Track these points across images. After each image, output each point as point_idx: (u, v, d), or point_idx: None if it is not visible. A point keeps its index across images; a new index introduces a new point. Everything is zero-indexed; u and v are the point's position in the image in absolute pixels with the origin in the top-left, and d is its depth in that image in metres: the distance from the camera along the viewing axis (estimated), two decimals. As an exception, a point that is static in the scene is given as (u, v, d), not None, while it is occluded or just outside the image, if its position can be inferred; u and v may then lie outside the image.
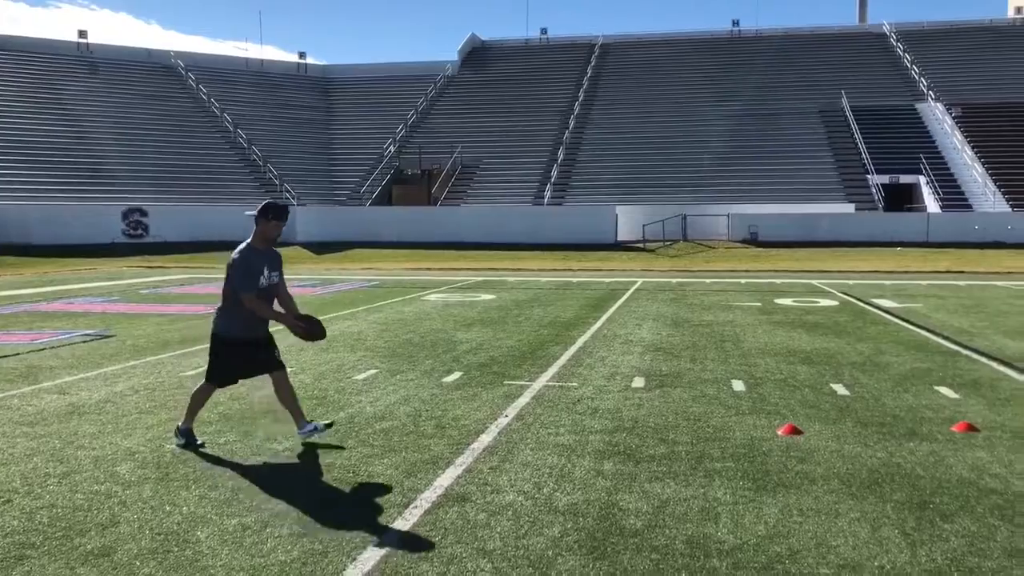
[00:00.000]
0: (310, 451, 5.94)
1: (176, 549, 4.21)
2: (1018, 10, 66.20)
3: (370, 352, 10.34)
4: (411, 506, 4.81)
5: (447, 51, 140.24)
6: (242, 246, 5.87)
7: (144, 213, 39.55)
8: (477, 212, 41.35)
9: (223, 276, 5.93)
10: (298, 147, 50.62)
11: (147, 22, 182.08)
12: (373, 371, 9.07)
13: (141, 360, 9.83)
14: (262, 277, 5.85)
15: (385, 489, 5.11)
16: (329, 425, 6.20)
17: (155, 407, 7.34)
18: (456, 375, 8.83)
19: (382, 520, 4.59)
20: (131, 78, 53.46)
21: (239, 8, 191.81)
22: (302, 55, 63.48)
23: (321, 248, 37.05)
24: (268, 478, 5.34)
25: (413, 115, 54.30)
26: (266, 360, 6.02)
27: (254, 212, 5.93)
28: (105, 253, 34.02)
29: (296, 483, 5.24)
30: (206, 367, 6.13)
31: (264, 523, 4.56)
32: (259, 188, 46.31)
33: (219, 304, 6.01)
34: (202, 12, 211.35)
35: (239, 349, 5.92)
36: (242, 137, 49.68)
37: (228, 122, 51.01)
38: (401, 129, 52.46)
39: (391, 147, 50.45)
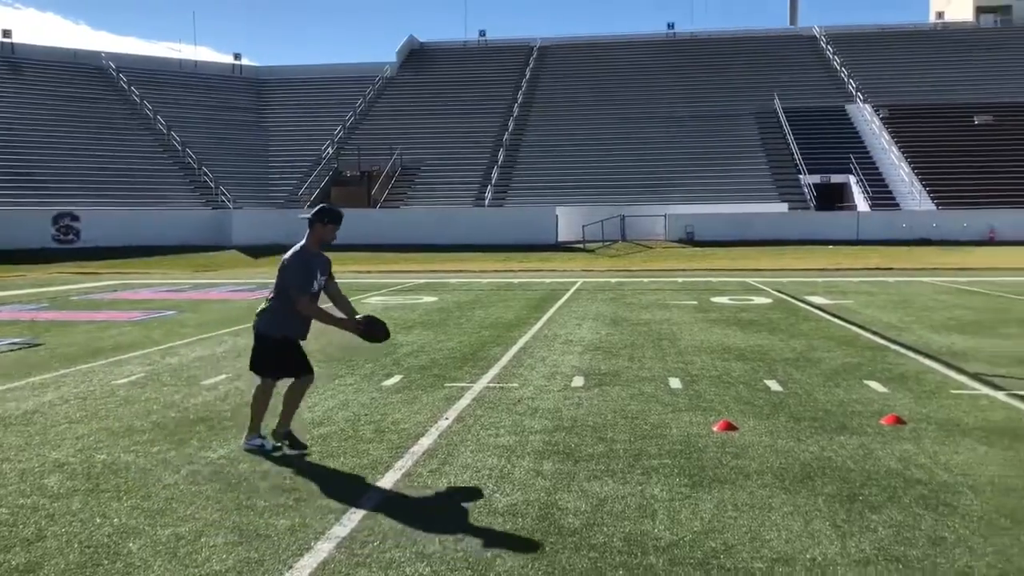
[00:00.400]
0: (246, 459, 5.85)
1: (106, 562, 4.11)
2: (939, 15, 68.49)
3: (308, 356, 10.21)
4: (350, 511, 4.76)
5: (385, 53, 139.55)
6: (296, 248, 5.91)
7: (75, 218, 38.56)
8: (418, 214, 41.23)
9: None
10: (234, 149, 49.82)
11: (75, 22, 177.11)
12: (311, 376, 8.96)
13: (72, 368, 9.57)
14: (315, 281, 5.90)
15: (323, 495, 5.06)
16: (278, 448, 6.07)
17: (86, 417, 7.15)
18: (396, 379, 8.79)
19: (319, 527, 4.54)
20: (59, 79, 52.06)
21: (172, 9, 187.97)
22: (237, 56, 62.56)
23: (258, 252, 36.46)
24: (203, 487, 5.24)
25: (351, 116, 53.87)
26: (298, 363, 6.02)
27: (307, 215, 5.92)
28: (34, 259, 33.02)
29: (232, 491, 5.15)
30: (283, 368, 6.03)
31: (198, 532, 4.48)
32: (194, 191, 45.50)
33: (267, 304, 6.00)
34: (134, 12, 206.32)
35: (276, 347, 5.92)
36: (176, 140, 48.71)
37: (162, 124, 49.98)
38: (339, 131, 52.00)
39: (329, 149, 49.96)
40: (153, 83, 54.79)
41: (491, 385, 8.38)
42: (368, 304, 17.04)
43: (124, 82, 53.94)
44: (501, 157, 47.46)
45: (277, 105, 56.85)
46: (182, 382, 8.70)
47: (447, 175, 46.48)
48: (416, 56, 63.61)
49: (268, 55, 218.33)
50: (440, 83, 58.04)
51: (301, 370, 6.03)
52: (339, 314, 6.10)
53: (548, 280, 23.78)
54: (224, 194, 44.61)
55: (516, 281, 23.46)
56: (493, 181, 45.02)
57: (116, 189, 42.88)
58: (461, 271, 28.41)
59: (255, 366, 6.08)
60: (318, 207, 6.03)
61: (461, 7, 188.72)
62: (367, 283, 23.17)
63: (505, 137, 49.58)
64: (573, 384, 8.38)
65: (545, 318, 14.19)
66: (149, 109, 51.36)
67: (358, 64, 61.08)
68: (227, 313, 15.79)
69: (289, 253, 5.91)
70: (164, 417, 7.08)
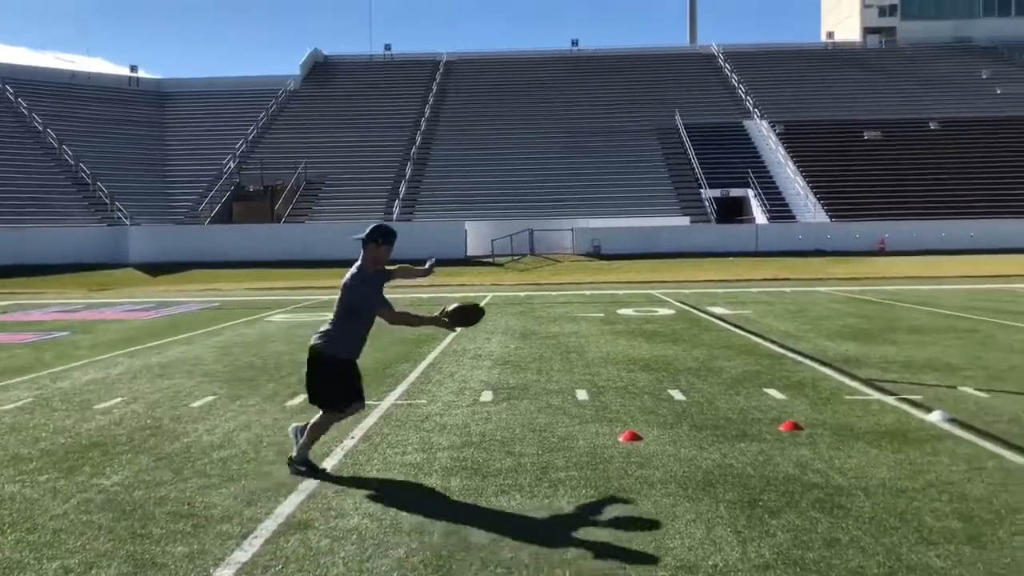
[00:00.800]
0: (141, 485, 5.63)
1: (-13, 600, 3.89)
2: (830, 35, 71.66)
3: (208, 377, 9.93)
4: (251, 536, 4.63)
5: (288, 66, 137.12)
6: (353, 270, 5.85)
7: (-42, 236, 36.64)
8: (324, 229, 40.64)
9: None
10: (131, 164, 48.18)
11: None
12: (211, 397, 8.71)
13: (-49, 396, 9.05)
14: (382, 295, 5.92)
15: (223, 520, 4.91)
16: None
17: (-34, 446, 6.76)
18: (300, 399, 8.56)
19: (219, 553, 4.39)
20: (-61, 90, 49.49)
21: (63, 18, 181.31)
22: (134, 68, 60.72)
23: (156, 269, 35.32)
24: (95, 516, 5.00)
25: (254, 130, 52.85)
26: (353, 390, 5.89)
27: (360, 236, 5.82)
28: (-89, 280, 31.18)
29: (126, 519, 4.94)
30: (327, 395, 5.82)
31: (89, 564, 4.27)
32: (88, 207, 43.84)
33: (327, 328, 5.88)
34: (23, 21, 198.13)
35: (335, 367, 5.79)
36: (68, 154, 46.86)
37: (52, 138, 48.01)
38: (241, 144, 50.92)
39: (231, 163, 48.85)
40: (43, 95, 52.65)
41: (399, 402, 8.30)
42: (272, 322, 16.69)
43: (11, 94, 51.65)
44: (409, 171, 47.26)
45: (176, 118, 55.29)
46: (74, 407, 8.32)
47: (353, 189, 46.00)
48: (320, 69, 62.91)
49: (167, 67, 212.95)
50: (345, 97, 57.52)
51: (356, 398, 5.89)
52: (424, 312, 6.05)
53: (458, 295, 23.73)
54: (120, 210, 43.08)
55: (425, 296, 23.33)
56: (401, 195, 44.76)
57: (3, 205, 40.94)
58: (369, 287, 28.06)
59: (322, 398, 5.88)
60: (372, 226, 5.90)
61: (366, 21, 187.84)
62: (270, 300, 22.69)
63: (412, 151, 49.42)
64: (482, 399, 8.37)
65: (454, 333, 14.12)
66: (39, 122, 49.30)
67: (261, 77, 60.01)
68: (123, 333, 15.22)
69: (348, 276, 5.84)
70: (53, 444, 6.76)
